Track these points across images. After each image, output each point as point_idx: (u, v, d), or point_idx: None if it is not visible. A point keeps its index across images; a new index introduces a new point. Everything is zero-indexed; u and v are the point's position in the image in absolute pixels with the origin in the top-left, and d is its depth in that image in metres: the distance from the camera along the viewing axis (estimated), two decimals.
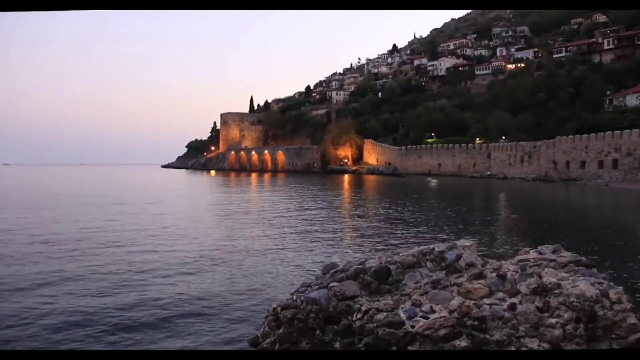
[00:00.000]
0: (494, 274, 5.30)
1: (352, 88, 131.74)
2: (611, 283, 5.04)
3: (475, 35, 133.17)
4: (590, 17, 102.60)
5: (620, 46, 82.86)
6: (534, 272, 5.17)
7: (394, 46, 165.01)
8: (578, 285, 4.81)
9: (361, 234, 18.29)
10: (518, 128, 74.38)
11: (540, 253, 5.90)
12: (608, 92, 70.91)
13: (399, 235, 17.89)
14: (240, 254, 14.20)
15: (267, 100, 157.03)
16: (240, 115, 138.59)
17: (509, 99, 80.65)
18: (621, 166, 55.29)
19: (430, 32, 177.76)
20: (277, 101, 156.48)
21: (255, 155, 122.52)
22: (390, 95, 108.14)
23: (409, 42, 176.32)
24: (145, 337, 7.42)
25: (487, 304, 4.86)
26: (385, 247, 14.73)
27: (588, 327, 4.61)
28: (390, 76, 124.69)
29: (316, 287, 5.66)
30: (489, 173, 74.45)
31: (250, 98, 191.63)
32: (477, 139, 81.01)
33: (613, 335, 4.63)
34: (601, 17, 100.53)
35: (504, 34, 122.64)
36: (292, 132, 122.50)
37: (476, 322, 4.72)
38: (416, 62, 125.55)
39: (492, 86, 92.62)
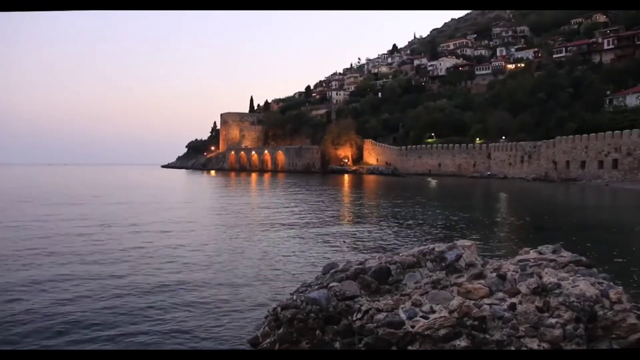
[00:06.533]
0: (494, 274, 5.30)
1: (352, 88, 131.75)
2: (611, 283, 5.04)
3: (475, 35, 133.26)
4: (590, 17, 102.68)
5: (620, 46, 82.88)
6: (534, 272, 5.17)
7: (394, 46, 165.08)
8: (578, 285, 4.81)
9: (361, 234, 18.29)
10: (518, 128, 74.44)
11: (540, 253, 5.90)
12: (608, 92, 70.93)
13: (399, 235, 17.89)
14: (240, 254, 14.19)
15: (267, 100, 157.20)
16: (240, 115, 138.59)
17: (509, 99, 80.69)
18: (621, 166, 55.31)
19: (430, 32, 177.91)
20: (277, 101, 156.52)
21: (255, 155, 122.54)
22: (390, 95, 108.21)
23: (409, 42, 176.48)
24: (144, 337, 7.42)
25: (487, 304, 4.86)
26: (385, 247, 14.72)
27: (588, 327, 4.61)
28: (390, 76, 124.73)
29: (316, 287, 5.66)
30: (489, 173, 74.48)
31: (250, 98, 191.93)
32: (477, 139, 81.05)
33: (613, 335, 4.63)
34: (601, 17, 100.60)
35: (504, 34, 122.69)
36: (292, 132, 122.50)
37: (476, 322, 4.72)
38: (416, 62, 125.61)
39: (492, 86, 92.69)
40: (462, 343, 4.65)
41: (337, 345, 5.15)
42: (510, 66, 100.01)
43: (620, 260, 12.63)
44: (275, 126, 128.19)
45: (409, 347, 4.77)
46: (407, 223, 21.36)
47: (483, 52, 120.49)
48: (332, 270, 5.99)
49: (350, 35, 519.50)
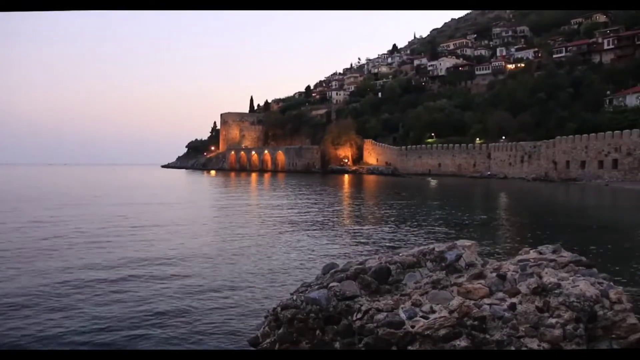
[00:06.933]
0: (494, 274, 5.30)
1: (352, 88, 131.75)
2: (611, 283, 5.03)
3: (475, 35, 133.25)
4: (590, 17, 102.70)
5: (620, 46, 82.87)
6: (534, 272, 5.17)
7: (394, 46, 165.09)
8: (578, 285, 4.81)
9: (361, 234, 18.29)
10: (518, 128, 74.44)
11: (540, 253, 5.90)
12: (608, 92, 70.94)
13: (399, 235, 17.89)
14: (239, 254, 14.19)
15: (267, 100, 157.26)
16: (240, 115, 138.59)
17: (509, 99, 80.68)
18: (621, 166, 55.31)
19: (430, 32, 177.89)
20: (277, 101, 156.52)
21: (255, 155, 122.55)
22: (390, 95, 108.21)
23: (409, 42, 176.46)
24: (144, 337, 7.42)
25: (487, 304, 4.85)
26: (385, 247, 14.72)
27: (588, 327, 4.61)
28: (390, 76, 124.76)
29: (316, 287, 5.66)
30: (489, 173, 74.48)
31: (250, 98, 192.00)
32: (477, 139, 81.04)
33: (613, 335, 4.63)
34: (601, 17, 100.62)
35: (504, 34, 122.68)
36: (292, 132, 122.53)
37: (476, 322, 4.72)
38: (416, 62, 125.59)
39: (492, 86, 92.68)
40: (462, 343, 4.65)
41: (337, 345, 5.15)
42: (510, 66, 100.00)
43: (620, 260, 12.62)
44: (275, 126, 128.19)
45: (409, 347, 4.76)
46: (407, 223, 21.36)
47: (483, 52, 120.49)
48: (332, 270, 5.98)
49: (350, 35, 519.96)
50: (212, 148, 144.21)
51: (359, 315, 5.13)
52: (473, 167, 79.02)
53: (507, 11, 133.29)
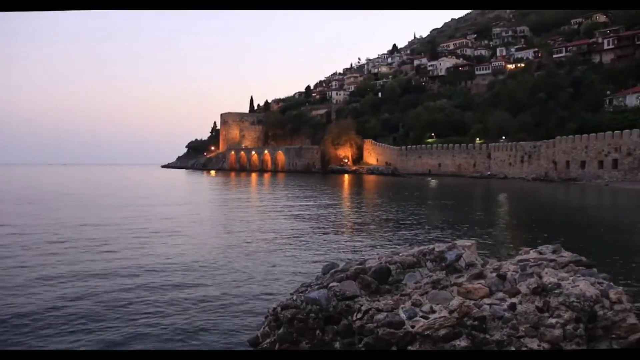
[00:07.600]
0: (494, 274, 5.29)
1: (352, 88, 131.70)
2: (611, 283, 5.03)
3: (475, 35, 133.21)
4: (590, 17, 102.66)
5: (620, 46, 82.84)
6: (534, 272, 5.16)
7: (394, 46, 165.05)
8: (578, 285, 4.81)
9: (361, 234, 18.29)
10: (518, 128, 74.39)
11: (540, 253, 5.90)
12: (608, 92, 70.91)
13: (399, 235, 17.89)
14: (240, 254, 14.19)
15: (267, 100, 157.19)
16: (240, 115, 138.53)
17: (509, 99, 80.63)
18: (621, 166, 55.30)
19: (430, 32, 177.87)
20: (277, 101, 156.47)
21: (255, 155, 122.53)
22: (390, 95, 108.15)
23: (409, 42, 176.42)
24: (145, 337, 7.42)
25: (487, 304, 4.85)
26: (385, 247, 14.72)
27: (588, 327, 4.60)
28: (390, 76, 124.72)
29: (316, 287, 5.66)
30: (489, 173, 74.46)
31: (250, 98, 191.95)
32: (477, 139, 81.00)
33: (613, 335, 4.62)
34: (601, 17, 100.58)
35: (504, 34, 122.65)
36: (292, 132, 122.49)
37: (476, 322, 4.72)
38: (416, 62, 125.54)
39: (492, 86, 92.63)
40: (462, 343, 4.65)
41: (337, 345, 5.15)
42: (510, 66, 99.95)
43: (620, 260, 12.62)
44: (275, 126, 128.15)
45: (409, 347, 4.76)
46: (407, 223, 21.35)
47: (483, 52, 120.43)
48: (332, 270, 5.98)
49: (350, 35, 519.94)
50: (212, 148, 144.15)
51: (359, 315, 5.12)
52: (473, 167, 79.00)
53: (507, 11, 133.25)
